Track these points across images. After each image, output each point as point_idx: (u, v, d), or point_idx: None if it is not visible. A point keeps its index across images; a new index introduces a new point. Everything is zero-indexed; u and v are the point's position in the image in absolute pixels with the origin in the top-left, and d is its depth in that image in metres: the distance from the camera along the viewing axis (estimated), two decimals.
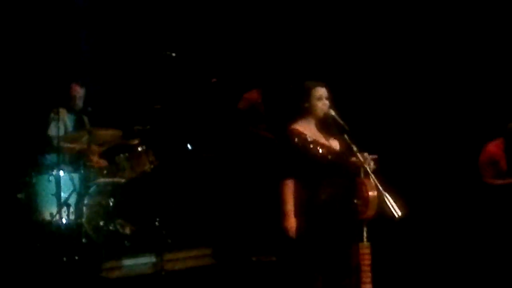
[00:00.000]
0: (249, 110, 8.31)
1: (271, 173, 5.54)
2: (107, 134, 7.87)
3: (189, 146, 8.34)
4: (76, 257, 7.12)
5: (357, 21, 8.86)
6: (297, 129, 5.39)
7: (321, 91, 5.43)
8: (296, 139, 5.34)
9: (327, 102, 5.42)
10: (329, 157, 5.35)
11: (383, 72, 8.75)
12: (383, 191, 5.15)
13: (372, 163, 5.28)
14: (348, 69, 8.72)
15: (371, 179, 5.23)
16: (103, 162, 8.07)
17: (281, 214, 5.30)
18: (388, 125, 8.57)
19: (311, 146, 5.34)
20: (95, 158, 8.06)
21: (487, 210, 7.62)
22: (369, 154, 5.31)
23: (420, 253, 7.51)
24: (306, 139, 5.35)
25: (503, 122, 7.67)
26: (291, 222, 5.26)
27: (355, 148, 5.29)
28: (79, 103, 8.09)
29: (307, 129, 5.41)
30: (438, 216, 8.07)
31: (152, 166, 7.89)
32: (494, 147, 7.70)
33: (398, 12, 8.73)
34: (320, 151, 5.34)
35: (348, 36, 8.84)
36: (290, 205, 5.27)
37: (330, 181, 5.31)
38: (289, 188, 5.29)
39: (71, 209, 7.45)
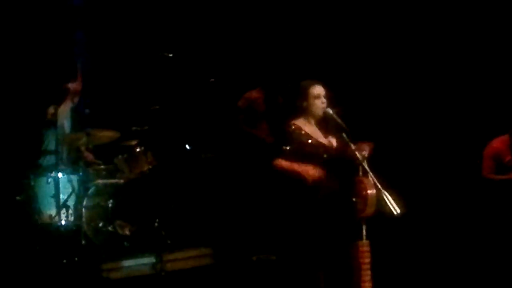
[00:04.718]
0: (247, 108, 8.31)
1: (263, 172, 5.55)
2: (105, 135, 7.86)
3: (187, 146, 8.35)
4: (76, 259, 7.13)
5: (356, 19, 8.85)
6: (296, 124, 5.40)
7: (319, 90, 5.45)
8: (293, 133, 5.35)
9: (325, 100, 5.44)
10: (325, 155, 5.36)
11: (383, 70, 8.74)
12: (381, 189, 5.17)
13: (366, 151, 5.29)
14: (348, 67, 8.72)
15: (370, 177, 5.25)
16: (90, 156, 8.00)
17: (297, 177, 5.25)
18: (387, 123, 8.57)
19: (308, 141, 5.35)
20: (85, 153, 7.99)
21: (487, 206, 7.62)
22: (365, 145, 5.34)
23: (419, 251, 7.51)
24: (303, 133, 5.36)
25: (509, 119, 7.66)
26: (309, 170, 5.24)
27: (353, 147, 5.30)
28: (75, 99, 8.05)
29: (306, 126, 5.43)
30: (437, 213, 8.08)
31: (150, 167, 7.89)
32: (499, 143, 7.72)
33: (396, 11, 8.73)
34: (317, 149, 5.35)
35: (348, 34, 8.83)
36: (296, 166, 5.26)
37: (328, 179, 5.32)
38: (284, 161, 5.29)
39: (70, 211, 7.44)
